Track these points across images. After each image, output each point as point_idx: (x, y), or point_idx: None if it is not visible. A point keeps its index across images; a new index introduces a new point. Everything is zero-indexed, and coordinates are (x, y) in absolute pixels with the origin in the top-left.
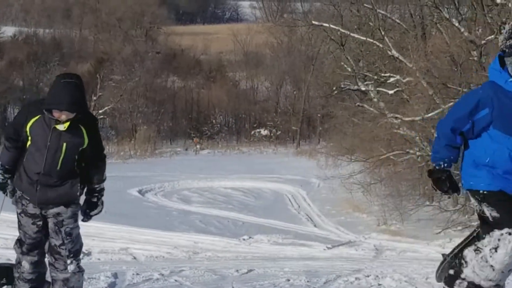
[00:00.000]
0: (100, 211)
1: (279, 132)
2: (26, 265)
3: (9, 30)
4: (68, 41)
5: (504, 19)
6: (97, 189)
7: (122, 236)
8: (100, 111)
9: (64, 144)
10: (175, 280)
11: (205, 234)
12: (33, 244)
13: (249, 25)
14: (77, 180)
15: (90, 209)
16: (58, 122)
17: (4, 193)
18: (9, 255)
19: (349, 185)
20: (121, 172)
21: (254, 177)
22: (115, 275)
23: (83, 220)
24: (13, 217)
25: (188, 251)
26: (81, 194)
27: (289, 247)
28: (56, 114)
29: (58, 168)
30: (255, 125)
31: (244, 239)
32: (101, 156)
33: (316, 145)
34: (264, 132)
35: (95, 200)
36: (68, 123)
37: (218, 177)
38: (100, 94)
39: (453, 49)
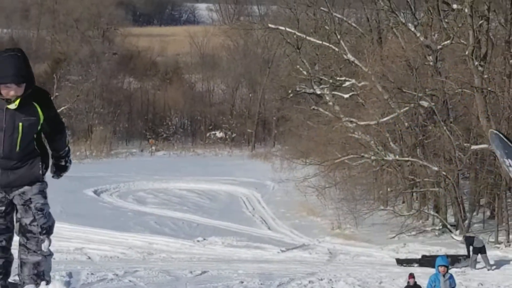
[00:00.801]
0: (65, 169)
1: (234, 134)
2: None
3: None
4: (26, 41)
5: (460, 25)
6: (63, 154)
7: (78, 236)
8: None
9: (20, 124)
10: (130, 281)
11: (160, 235)
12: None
13: (206, 27)
14: (37, 160)
15: (60, 170)
16: (9, 101)
17: None
18: None
19: (303, 189)
20: (77, 172)
21: (209, 179)
22: (69, 275)
23: (53, 177)
24: None
25: (142, 252)
26: (44, 174)
27: (243, 250)
28: (3, 91)
29: (18, 149)
30: (210, 127)
31: (198, 241)
32: (61, 127)
33: (271, 148)
34: (219, 134)
35: (63, 163)
36: (18, 100)
37: (173, 178)
38: (56, 94)
39: (409, 54)
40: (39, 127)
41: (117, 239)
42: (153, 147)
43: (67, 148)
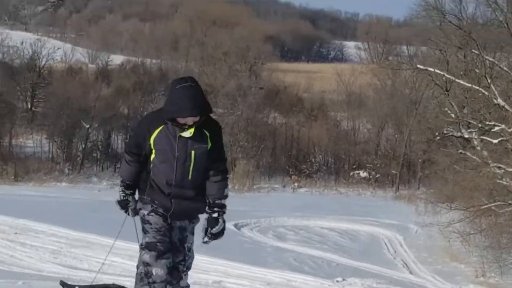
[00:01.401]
0: (223, 231)
1: (378, 175)
2: (159, 271)
3: (117, 59)
4: (174, 72)
5: None
6: (219, 203)
7: (216, 269)
8: None
9: (193, 152)
10: None
11: (299, 273)
12: (166, 243)
13: (354, 65)
14: (205, 193)
15: (211, 226)
16: (183, 129)
17: (125, 212)
18: (105, 280)
19: (447, 234)
20: None
21: (350, 219)
22: None
23: (204, 242)
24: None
25: None
26: (203, 206)
27: None
28: (181, 120)
29: (190, 178)
30: (354, 166)
31: (337, 281)
32: (223, 165)
33: (415, 191)
34: (363, 174)
35: (215, 215)
36: (193, 129)
37: (314, 216)
38: None
39: None
40: (205, 154)
41: (255, 274)
42: (296, 184)
43: (223, 201)
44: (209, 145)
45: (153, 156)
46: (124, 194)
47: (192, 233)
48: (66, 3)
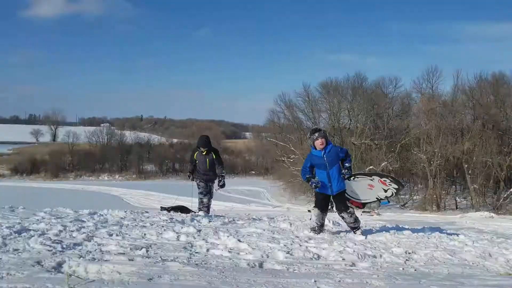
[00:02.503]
0: (224, 185)
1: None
2: (205, 200)
3: (173, 141)
4: (191, 146)
5: None
6: (220, 175)
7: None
8: None
9: (207, 160)
10: None
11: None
12: (205, 191)
13: (249, 141)
14: (216, 173)
15: (220, 184)
16: (202, 152)
17: (189, 178)
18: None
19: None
20: None
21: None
22: None
23: (216, 190)
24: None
25: None
26: (217, 177)
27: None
28: (201, 149)
29: (208, 168)
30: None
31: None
32: (222, 163)
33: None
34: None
35: (221, 179)
36: (205, 151)
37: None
38: None
39: None
40: (212, 159)
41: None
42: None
43: (222, 173)
44: (214, 157)
45: (197, 162)
46: (189, 174)
47: (213, 185)
48: (157, 125)
